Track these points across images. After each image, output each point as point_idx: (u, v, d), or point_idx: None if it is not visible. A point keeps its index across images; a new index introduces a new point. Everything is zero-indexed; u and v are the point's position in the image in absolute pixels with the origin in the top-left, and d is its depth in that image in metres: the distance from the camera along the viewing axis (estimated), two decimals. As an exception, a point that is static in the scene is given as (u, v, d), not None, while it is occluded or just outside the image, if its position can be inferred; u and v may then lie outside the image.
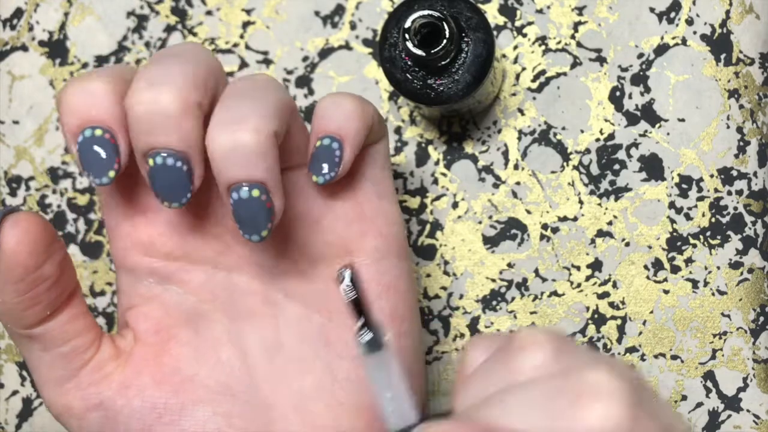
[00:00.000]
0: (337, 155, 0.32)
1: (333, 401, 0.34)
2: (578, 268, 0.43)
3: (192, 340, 0.33)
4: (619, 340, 0.43)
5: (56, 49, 0.46)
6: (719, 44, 0.43)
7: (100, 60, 0.46)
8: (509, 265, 0.43)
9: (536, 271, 0.43)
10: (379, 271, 0.34)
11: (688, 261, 0.43)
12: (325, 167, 0.32)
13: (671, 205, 0.43)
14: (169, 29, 0.45)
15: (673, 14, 0.43)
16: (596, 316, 0.43)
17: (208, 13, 0.45)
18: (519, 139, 0.43)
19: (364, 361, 0.26)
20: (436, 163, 0.44)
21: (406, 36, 0.36)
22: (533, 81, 0.43)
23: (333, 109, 0.32)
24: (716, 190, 0.43)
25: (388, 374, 0.26)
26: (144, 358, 0.33)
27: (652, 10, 0.43)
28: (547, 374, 0.24)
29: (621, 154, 0.43)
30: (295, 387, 0.34)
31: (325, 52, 0.44)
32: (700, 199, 0.43)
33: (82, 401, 0.32)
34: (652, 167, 0.43)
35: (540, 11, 0.43)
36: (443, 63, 0.37)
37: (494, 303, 0.43)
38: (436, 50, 0.36)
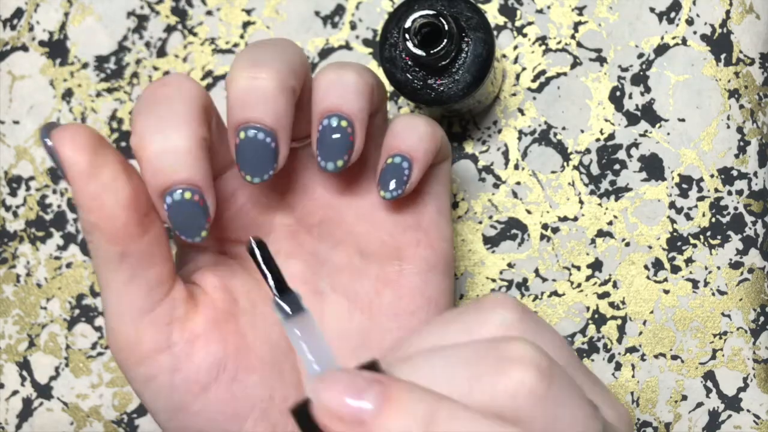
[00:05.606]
0: (406, 174, 0.34)
1: None
2: (578, 268, 0.43)
3: (250, 310, 0.34)
4: (620, 340, 0.43)
5: (56, 49, 0.46)
6: (719, 44, 0.43)
7: (100, 60, 0.46)
8: (509, 265, 0.43)
9: (536, 271, 0.43)
10: (424, 282, 0.35)
11: (689, 261, 0.43)
12: (393, 184, 0.34)
13: (671, 205, 0.43)
14: (169, 29, 0.45)
15: (673, 14, 0.43)
16: (596, 316, 0.43)
17: (209, 13, 0.45)
18: (519, 139, 0.43)
19: (285, 326, 0.27)
20: (436, 163, 0.44)
21: (406, 36, 0.36)
22: (533, 81, 0.43)
23: (407, 129, 0.34)
24: (716, 190, 0.43)
25: (309, 337, 0.26)
26: (212, 310, 0.33)
27: (652, 10, 0.43)
28: (473, 341, 0.26)
29: (621, 154, 0.43)
30: None
31: (325, 52, 0.44)
32: (701, 199, 0.43)
33: (153, 338, 0.31)
34: (653, 167, 0.43)
35: (540, 11, 0.43)
36: (443, 63, 0.37)
37: (494, 303, 0.43)
38: (436, 50, 0.36)
